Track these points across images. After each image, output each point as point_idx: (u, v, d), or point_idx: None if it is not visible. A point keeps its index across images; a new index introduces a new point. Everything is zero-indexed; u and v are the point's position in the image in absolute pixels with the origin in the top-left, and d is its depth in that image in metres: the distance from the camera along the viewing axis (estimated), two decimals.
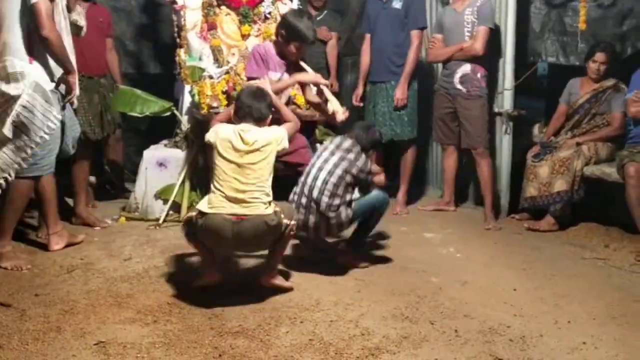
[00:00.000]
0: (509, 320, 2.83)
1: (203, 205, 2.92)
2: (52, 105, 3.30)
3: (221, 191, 2.89)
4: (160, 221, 4.26)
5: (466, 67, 4.49)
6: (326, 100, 3.83)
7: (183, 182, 4.38)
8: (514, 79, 4.62)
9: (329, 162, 3.31)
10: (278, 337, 2.60)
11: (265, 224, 2.86)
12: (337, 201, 3.25)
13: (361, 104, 4.94)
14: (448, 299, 3.07)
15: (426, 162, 5.56)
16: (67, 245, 3.68)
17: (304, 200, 3.30)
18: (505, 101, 4.64)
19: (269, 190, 2.95)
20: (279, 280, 3.11)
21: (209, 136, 3.04)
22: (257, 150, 2.95)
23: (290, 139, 3.23)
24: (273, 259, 3.09)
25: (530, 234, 4.32)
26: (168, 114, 4.55)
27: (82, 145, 4.14)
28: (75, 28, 3.59)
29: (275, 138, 3.03)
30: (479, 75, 4.49)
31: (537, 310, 2.96)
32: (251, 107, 3.03)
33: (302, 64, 3.81)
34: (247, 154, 2.93)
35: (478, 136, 4.54)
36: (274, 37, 4.48)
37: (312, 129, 4.60)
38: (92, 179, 4.76)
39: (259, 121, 3.04)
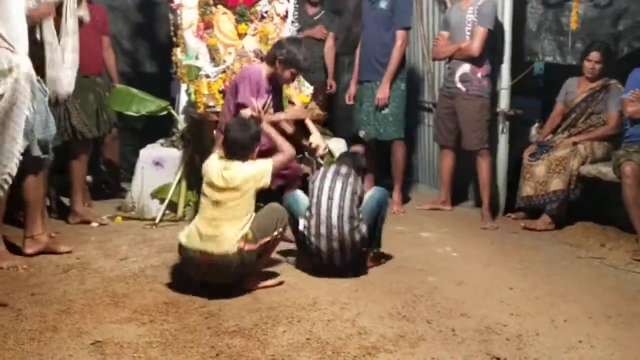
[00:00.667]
0: (506, 319, 2.83)
1: (182, 236, 3.03)
2: (34, 97, 3.28)
3: (196, 225, 3.01)
4: (157, 220, 4.25)
5: (465, 67, 4.50)
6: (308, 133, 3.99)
7: (179, 182, 4.37)
8: (511, 79, 4.63)
9: (336, 189, 3.33)
10: (275, 337, 2.60)
11: (232, 262, 2.92)
12: (356, 222, 3.31)
13: (353, 102, 4.95)
14: (444, 298, 3.07)
15: (419, 161, 5.57)
16: (44, 252, 3.53)
17: (323, 229, 3.29)
18: (502, 100, 4.65)
19: (246, 225, 2.99)
20: (265, 282, 3.14)
21: (204, 168, 3.13)
22: (234, 189, 3.00)
23: (285, 167, 3.39)
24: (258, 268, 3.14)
25: (526, 233, 4.33)
26: (164, 113, 4.54)
27: (78, 143, 4.14)
28: (79, 24, 3.59)
29: (255, 175, 3.05)
30: (479, 74, 4.49)
31: (533, 309, 2.97)
32: (235, 140, 3.08)
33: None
34: (224, 192, 2.99)
35: (477, 137, 4.53)
36: (269, 36, 4.50)
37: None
38: (89, 178, 4.75)
39: (244, 155, 3.08)
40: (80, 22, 3.62)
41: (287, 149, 3.40)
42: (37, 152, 3.36)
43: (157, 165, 4.47)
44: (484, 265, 3.64)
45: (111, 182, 5.20)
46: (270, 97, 3.84)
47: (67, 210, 4.34)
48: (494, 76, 4.65)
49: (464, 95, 4.52)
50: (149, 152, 4.55)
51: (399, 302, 3.00)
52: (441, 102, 4.76)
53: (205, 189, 3.05)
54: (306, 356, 2.44)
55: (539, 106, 5.54)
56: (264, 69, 3.79)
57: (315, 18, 5.38)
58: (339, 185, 3.34)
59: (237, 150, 3.07)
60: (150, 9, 5.66)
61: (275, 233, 3.08)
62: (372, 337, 2.61)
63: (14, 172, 3.25)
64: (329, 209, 3.29)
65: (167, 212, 4.34)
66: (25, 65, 3.23)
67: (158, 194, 4.41)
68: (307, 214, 3.34)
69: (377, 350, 2.50)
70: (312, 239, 3.30)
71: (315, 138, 3.95)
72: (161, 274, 3.30)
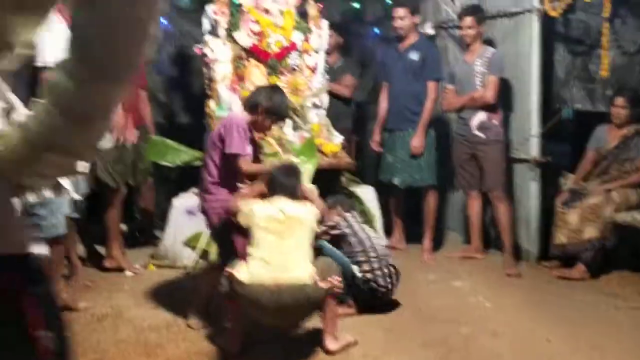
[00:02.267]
0: None
1: (243, 274, 2.87)
2: None
3: (262, 259, 2.88)
4: (189, 269, 4.29)
5: (482, 115, 4.60)
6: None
7: None
8: (541, 126, 4.64)
9: (365, 229, 3.78)
10: None
11: (308, 294, 2.85)
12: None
13: (380, 149, 4.99)
14: (479, 350, 3.02)
15: (447, 208, 5.56)
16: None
17: (376, 264, 3.56)
18: (532, 148, 4.65)
19: (311, 258, 2.97)
20: (340, 342, 3.05)
21: (244, 220, 3.02)
22: (298, 220, 2.99)
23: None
24: (328, 325, 3.03)
25: (561, 282, 4.25)
26: (198, 163, 4.63)
27: (108, 192, 4.24)
28: None
29: (314, 213, 3.08)
30: (494, 121, 4.60)
31: None
32: (285, 183, 3.10)
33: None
34: (289, 225, 2.97)
35: (496, 180, 4.60)
36: (300, 88, 4.60)
37: (337, 176, 4.66)
38: (123, 226, 4.83)
39: (294, 196, 3.09)
40: None
41: (319, 206, 3.27)
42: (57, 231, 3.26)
43: (189, 214, 4.53)
44: (518, 315, 3.58)
45: (145, 230, 5.28)
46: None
47: (101, 258, 4.41)
48: (520, 123, 4.69)
49: (483, 141, 4.62)
50: (182, 201, 4.62)
51: (433, 355, 2.96)
52: (459, 149, 4.83)
53: (265, 227, 2.95)
54: None
55: (569, 151, 5.51)
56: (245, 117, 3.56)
57: (335, 67, 5.45)
58: (364, 226, 3.73)
59: (288, 192, 3.08)
60: (184, 62, 5.84)
61: (335, 280, 3.00)
62: None
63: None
64: (372, 247, 3.60)
65: (200, 260, 4.39)
66: None
67: (191, 242, 4.46)
68: (361, 257, 3.55)
69: None
70: (378, 278, 3.54)
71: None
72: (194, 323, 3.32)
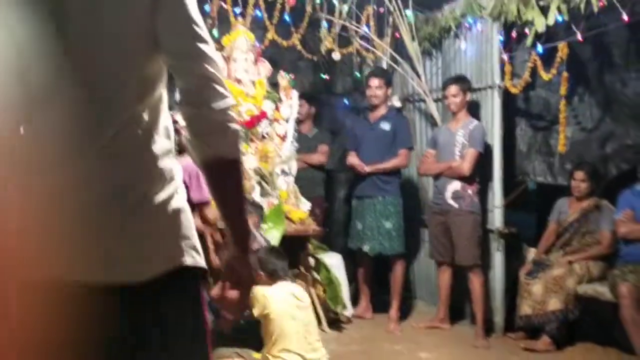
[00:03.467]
0: None
1: None
2: None
3: (296, 352, 2.89)
4: None
5: (456, 184, 4.64)
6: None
7: None
8: (504, 197, 4.74)
9: None
10: None
11: None
12: None
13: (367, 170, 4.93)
14: None
15: (415, 276, 5.57)
16: None
17: None
18: (496, 219, 4.73)
19: None
20: None
21: (262, 309, 2.94)
22: (307, 306, 3.10)
23: None
24: None
25: (527, 354, 4.24)
26: None
27: None
28: None
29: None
30: (469, 191, 4.63)
31: None
32: (284, 266, 3.16)
33: None
34: (305, 310, 3.04)
35: (470, 253, 4.59)
36: (270, 155, 4.66)
37: (304, 242, 4.65)
38: None
39: (289, 277, 3.20)
40: None
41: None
42: None
43: None
44: None
45: None
46: None
47: None
48: (484, 194, 4.78)
49: (456, 211, 4.64)
50: None
51: None
52: (433, 219, 4.86)
53: (288, 314, 2.94)
54: None
55: (533, 221, 5.62)
56: None
57: (311, 136, 5.54)
58: None
59: (287, 275, 3.16)
60: None
61: None
62: None
63: None
64: None
65: None
66: None
67: None
68: None
69: None
70: None
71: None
72: None
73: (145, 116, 1.32)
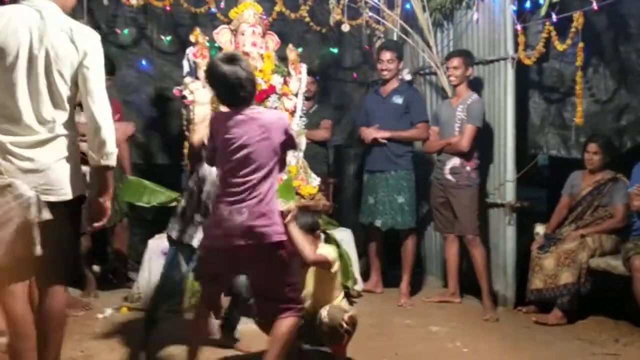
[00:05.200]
0: None
1: None
2: None
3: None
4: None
5: (455, 160, 4.65)
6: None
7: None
8: (516, 171, 4.70)
9: None
10: None
11: None
12: None
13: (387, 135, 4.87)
14: None
15: (426, 251, 5.56)
16: None
17: None
18: (508, 193, 4.69)
19: None
20: None
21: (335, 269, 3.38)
22: None
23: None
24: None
25: (538, 327, 4.24)
26: (175, 204, 4.59)
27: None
28: None
29: None
30: (467, 168, 4.64)
31: None
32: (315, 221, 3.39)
33: None
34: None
35: (467, 224, 4.62)
36: None
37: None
38: (96, 267, 4.74)
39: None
40: None
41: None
42: None
43: (165, 255, 4.46)
44: None
45: (119, 272, 5.19)
46: None
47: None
48: (496, 168, 4.75)
49: (454, 185, 4.66)
50: (158, 243, 4.55)
51: None
52: (434, 192, 4.87)
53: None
54: None
55: (544, 196, 5.58)
56: None
57: (311, 112, 5.49)
58: None
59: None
60: (163, 104, 5.85)
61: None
62: None
63: None
64: None
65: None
66: None
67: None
68: None
69: None
70: None
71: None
72: None
73: None
